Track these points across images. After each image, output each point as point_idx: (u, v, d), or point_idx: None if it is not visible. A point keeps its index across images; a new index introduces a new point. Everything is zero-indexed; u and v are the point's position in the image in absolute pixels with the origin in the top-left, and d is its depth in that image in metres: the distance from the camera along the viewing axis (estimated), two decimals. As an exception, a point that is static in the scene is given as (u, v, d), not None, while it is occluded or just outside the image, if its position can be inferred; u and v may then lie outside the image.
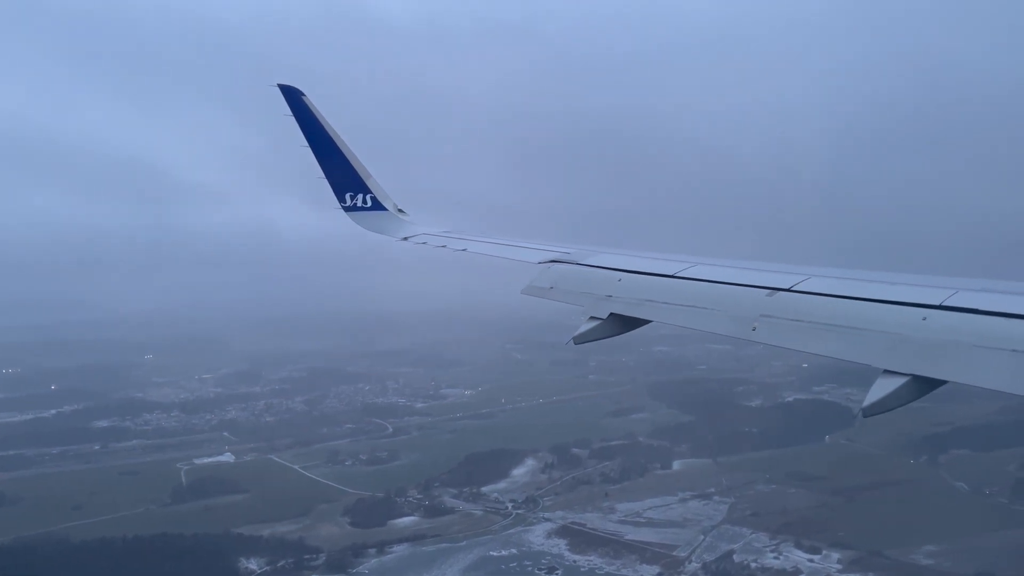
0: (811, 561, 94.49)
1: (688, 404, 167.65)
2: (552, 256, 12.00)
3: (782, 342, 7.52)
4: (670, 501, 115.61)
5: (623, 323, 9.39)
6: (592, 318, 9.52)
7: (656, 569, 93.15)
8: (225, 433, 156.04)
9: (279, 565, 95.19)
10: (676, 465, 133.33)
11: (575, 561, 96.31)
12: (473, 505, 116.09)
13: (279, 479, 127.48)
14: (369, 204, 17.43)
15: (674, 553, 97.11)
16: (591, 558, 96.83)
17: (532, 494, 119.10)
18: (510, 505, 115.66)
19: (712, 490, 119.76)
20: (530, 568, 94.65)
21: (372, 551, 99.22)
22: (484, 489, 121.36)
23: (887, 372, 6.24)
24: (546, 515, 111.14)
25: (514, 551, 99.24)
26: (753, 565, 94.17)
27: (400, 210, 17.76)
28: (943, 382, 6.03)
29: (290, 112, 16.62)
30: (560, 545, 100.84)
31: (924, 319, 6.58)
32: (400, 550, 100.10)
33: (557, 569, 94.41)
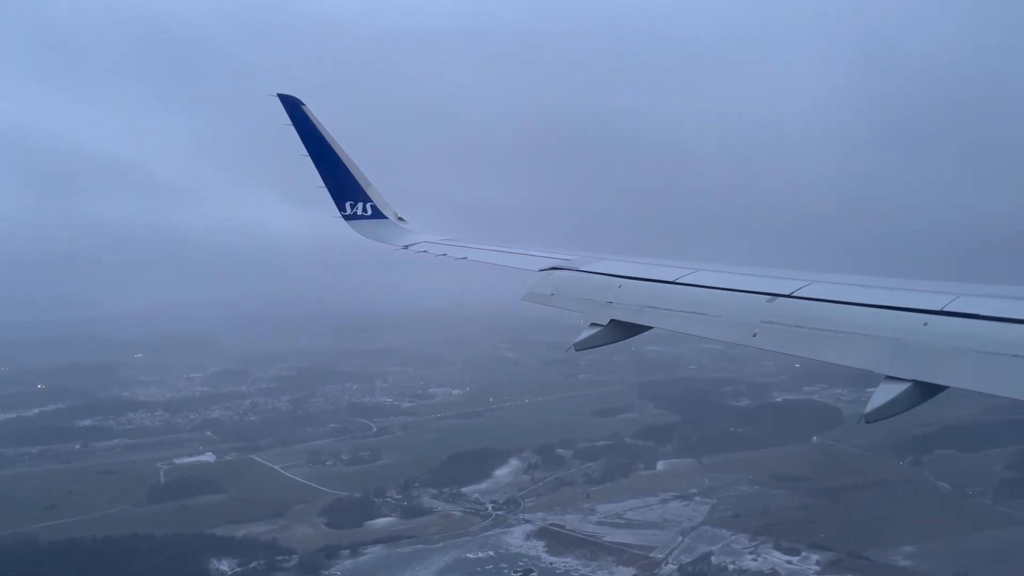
0: (789, 563, 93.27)
1: (677, 404, 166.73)
2: (552, 263, 12.12)
3: (783, 348, 7.51)
4: (651, 502, 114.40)
5: (624, 329, 9.48)
6: (593, 324, 9.63)
7: (632, 571, 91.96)
8: (208, 433, 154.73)
9: (251, 566, 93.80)
10: (660, 466, 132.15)
11: (551, 563, 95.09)
12: (453, 506, 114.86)
13: (258, 479, 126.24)
14: (369, 212, 17.67)
15: (651, 555, 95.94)
16: (568, 560, 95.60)
17: (513, 495, 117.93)
18: (490, 506, 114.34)
19: (694, 491, 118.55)
20: (506, 570, 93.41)
21: (346, 552, 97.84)
22: (465, 490, 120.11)
23: (889, 378, 6.24)
24: (526, 516, 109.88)
25: (491, 553, 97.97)
26: (731, 567, 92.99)
27: (400, 218, 17.92)
28: (945, 387, 6.04)
29: (289, 122, 16.68)
30: (538, 547, 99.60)
31: (925, 324, 6.63)
32: (375, 551, 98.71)
33: (533, 571, 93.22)
